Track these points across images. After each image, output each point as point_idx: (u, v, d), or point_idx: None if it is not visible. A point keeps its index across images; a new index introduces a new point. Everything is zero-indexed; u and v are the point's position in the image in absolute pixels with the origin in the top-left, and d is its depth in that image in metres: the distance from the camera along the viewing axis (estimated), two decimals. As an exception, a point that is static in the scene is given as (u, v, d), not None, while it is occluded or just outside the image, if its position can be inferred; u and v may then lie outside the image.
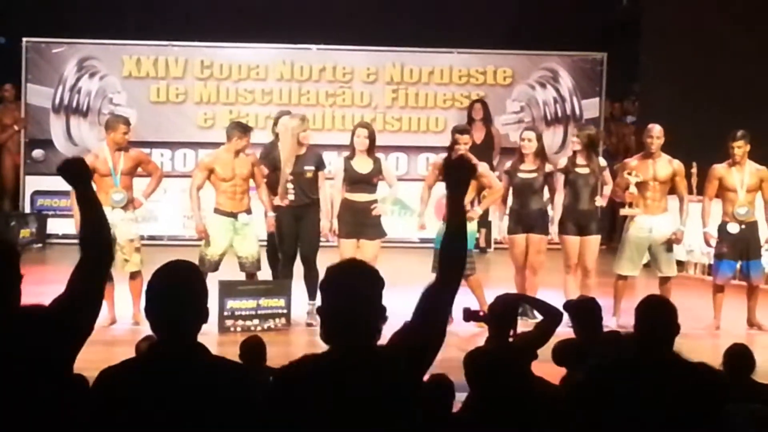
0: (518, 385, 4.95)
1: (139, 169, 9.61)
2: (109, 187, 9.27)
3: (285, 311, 9.36)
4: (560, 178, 9.78)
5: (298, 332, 9.34)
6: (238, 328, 9.04)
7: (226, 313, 9.08)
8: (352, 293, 3.39)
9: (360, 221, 9.54)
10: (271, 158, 9.74)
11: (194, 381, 3.34)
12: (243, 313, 9.17)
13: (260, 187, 9.63)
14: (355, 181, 9.57)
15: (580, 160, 9.75)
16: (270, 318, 9.30)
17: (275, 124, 10.12)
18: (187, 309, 3.42)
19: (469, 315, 5.41)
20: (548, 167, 9.82)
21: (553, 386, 4.94)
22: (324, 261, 9.52)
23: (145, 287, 3.49)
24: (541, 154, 9.79)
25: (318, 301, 3.52)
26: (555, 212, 9.87)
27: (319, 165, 9.63)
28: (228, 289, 9.15)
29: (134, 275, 9.34)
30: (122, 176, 9.32)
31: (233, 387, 3.38)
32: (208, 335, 5.44)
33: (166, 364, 3.37)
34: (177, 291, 3.42)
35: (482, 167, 9.82)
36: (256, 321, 9.22)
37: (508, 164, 10.12)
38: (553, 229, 9.82)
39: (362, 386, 3.32)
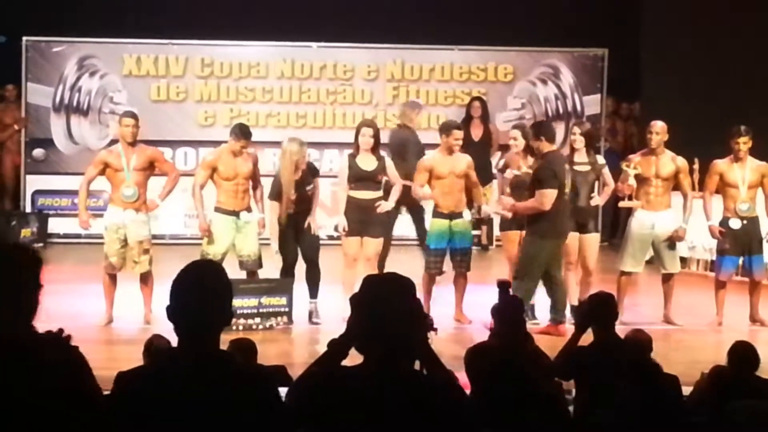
0: (517, 383, 4.94)
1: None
2: (121, 182, 9.26)
3: (287, 310, 9.34)
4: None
5: (299, 331, 9.33)
6: (240, 327, 9.00)
7: (227, 312, 9.05)
8: (390, 308, 3.34)
9: (364, 219, 9.51)
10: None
11: (223, 388, 3.22)
12: (244, 311, 9.13)
13: (257, 188, 9.61)
14: (359, 178, 9.53)
15: (579, 157, 9.71)
16: (272, 316, 9.28)
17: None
18: (215, 311, 3.31)
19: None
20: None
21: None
22: (326, 259, 9.65)
23: (169, 288, 3.33)
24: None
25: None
26: None
27: (315, 174, 9.62)
28: (230, 287, 9.10)
29: (144, 277, 9.31)
30: (134, 172, 9.26)
31: (261, 394, 3.29)
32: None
33: (191, 370, 3.24)
34: (207, 293, 3.30)
35: (469, 160, 9.77)
36: (257, 320, 9.20)
37: (500, 163, 10.10)
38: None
39: (395, 404, 3.26)
